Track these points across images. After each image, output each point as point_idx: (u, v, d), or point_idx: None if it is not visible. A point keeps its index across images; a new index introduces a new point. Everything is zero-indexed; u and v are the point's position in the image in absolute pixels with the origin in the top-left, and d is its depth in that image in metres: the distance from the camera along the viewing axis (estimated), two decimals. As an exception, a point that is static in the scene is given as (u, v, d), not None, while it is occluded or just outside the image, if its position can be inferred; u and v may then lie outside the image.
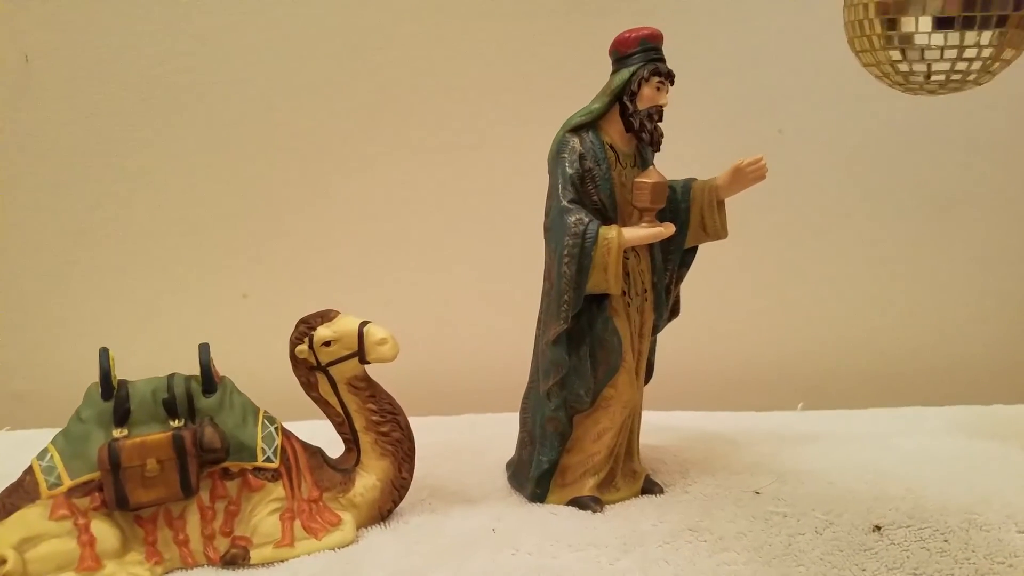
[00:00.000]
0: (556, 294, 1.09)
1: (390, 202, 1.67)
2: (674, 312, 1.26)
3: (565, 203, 1.08)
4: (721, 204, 1.18)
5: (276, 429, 1.06)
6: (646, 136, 1.10)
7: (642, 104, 1.09)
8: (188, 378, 1.04)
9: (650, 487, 1.20)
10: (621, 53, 1.10)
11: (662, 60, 1.09)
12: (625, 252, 1.11)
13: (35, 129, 1.55)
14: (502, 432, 1.34)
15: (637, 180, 1.08)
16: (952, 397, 1.69)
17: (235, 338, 1.66)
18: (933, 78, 1.04)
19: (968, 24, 0.98)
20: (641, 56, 1.08)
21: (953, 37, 0.99)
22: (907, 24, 1.01)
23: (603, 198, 1.10)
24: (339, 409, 1.07)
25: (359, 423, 1.07)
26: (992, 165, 1.78)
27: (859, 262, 1.80)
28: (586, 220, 1.07)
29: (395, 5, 1.59)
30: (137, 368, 1.62)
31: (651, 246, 1.15)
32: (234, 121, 1.60)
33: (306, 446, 1.08)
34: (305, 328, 1.04)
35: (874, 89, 1.67)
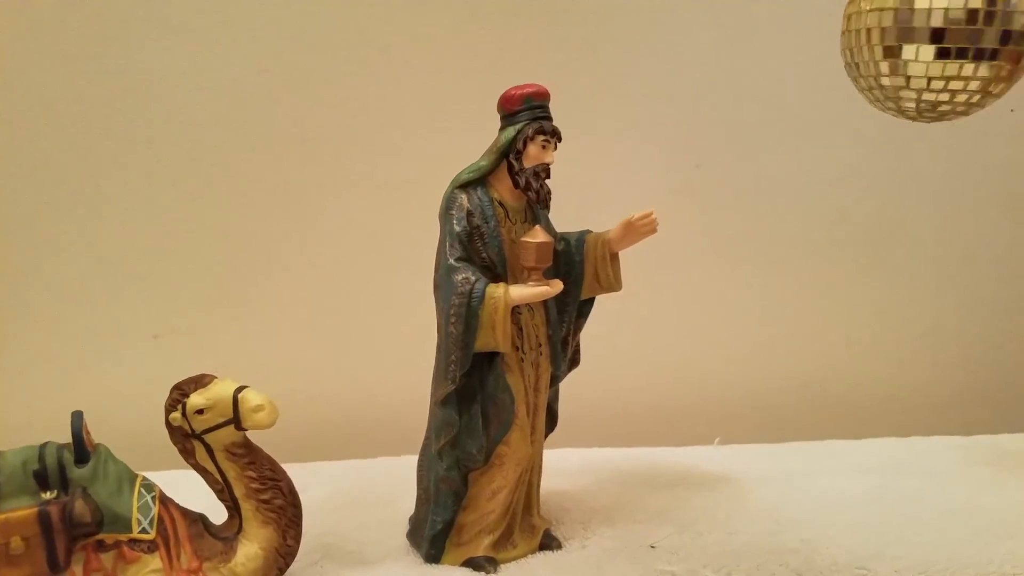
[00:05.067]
0: (444, 354, 1.08)
1: (311, 236, 1.64)
2: (574, 362, 1.25)
3: (452, 261, 1.07)
4: (615, 257, 1.17)
5: (154, 497, 1.03)
6: (532, 194, 1.09)
7: (528, 162, 1.08)
8: (61, 447, 1.01)
9: (548, 542, 1.18)
10: (507, 111, 1.08)
11: (548, 118, 1.08)
12: (518, 307, 1.10)
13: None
14: (414, 478, 1.32)
15: (522, 240, 1.07)
16: (871, 429, 1.70)
17: (144, 380, 1.63)
18: (928, 106, 1.05)
19: (963, 55, 0.99)
20: (527, 114, 1.07)
21: (951, 68, 1.00)
22: (906, 52, 1.01)
23: (492, 255, 1.09)
24: (218, 477, 1.04)
25: (239, 491, 1.04)
26: (921, 200, 1.80)
27: (779, 293, 1.80)
28: (473, 279, 1.06)
29: (306, 53, 1.56)
30: (44, 404, 1.58)
31: (545, 300, 1.13)
32: (141, 155, 1.56)
33: (186, 513, 1.05)
34: (178, 395, 1.01)
35: (800, 120, 1.70)
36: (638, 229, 1.14)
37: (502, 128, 1.09)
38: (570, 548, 1.18)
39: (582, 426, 1.56)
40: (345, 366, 1.69)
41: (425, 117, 1.58)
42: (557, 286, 1.10)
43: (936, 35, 0.99)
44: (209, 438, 1.02)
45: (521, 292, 1.07)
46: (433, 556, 1.14)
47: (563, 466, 1.47)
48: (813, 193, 1.76)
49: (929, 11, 0.98)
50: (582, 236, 1.17)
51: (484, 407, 1.10)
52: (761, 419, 1.80)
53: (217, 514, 1.09)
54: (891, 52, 1.02)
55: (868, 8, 1.02)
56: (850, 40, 1.07)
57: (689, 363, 1.79)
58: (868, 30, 1.03)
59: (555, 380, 1.20)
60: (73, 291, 1.59)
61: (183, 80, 1.53)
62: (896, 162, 1.76)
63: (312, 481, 1.44)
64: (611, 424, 1.71)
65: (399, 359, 1.69)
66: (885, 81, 1.04)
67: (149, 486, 1.04)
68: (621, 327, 1.64)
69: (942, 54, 0.99)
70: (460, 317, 1.05)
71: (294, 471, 1.44)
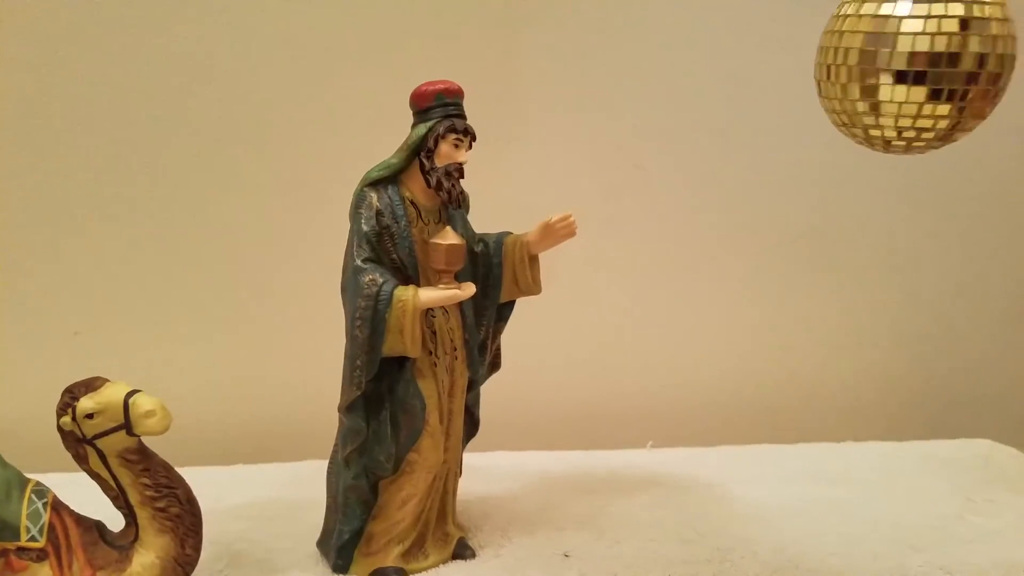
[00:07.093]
0: (350, 358, 1.05)
1: (238, 235, 1.60)
2: (495, 366, 1.22)
3: (359, 262, 1.04)
4: (534, 259, 1.15)
5: (45, 504, 0.99)
6: (444, 194, 1.06)
7: (440, 161, 1.05)
8: (-55, 451, 0.97)
9: (461, 551, 1.16)
10: (419, 107, 1.05)
11: (460, 116, 1.05)
12: (432, 310, 1.07)
13: None
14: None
15: (432, 241, 1.04)
16: (806, 433, 1.70)
17: (65, 378, 1.57)
18: (898, 141, 1.04)
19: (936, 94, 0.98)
20: (440, 111, 1.04)
21: (923, 105, 0.98)
22: (880, 88, 1.00)
23: (402, 256, 1.06)
24: (112, 483, 1.01)
25: (134, 498, 1.01)
26: (847, 202, 1.79)
27: (713, 296, 1.79)
28: (380, 281, 1.02)
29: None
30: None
31: (460, 303, 1.11)
32: (62, 150, 1.51)
33: (80, 520, 1.02)
34: (68, 398, 0.98)
35: (745, 120, 1.68)
36: (557, 232, 1.11)
37: (414, 125, 1.06)
38: (484, 557, 1.16)
39: (513, 429, 1.54)
40: (274, 366, 1.65)
41: (335, 118, 1.55)
42: (469, 289, 1.07)
43: (906, 72, 0.98)
44: (101, 443, 0.98)
45: (431, 295, 1.04)
46: (341, 567, 1.11)
47: (490, 470, 1.44)
48: (753, 195, 1.75)
49: (893, 51, 0.97)
50: (501, 238, 1.15)
51: (393, 414, 1.07)
52: (696, 422, 1.79)
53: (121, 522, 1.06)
54: (863, 87, 1.01)
55: (840, 43, 1.01)
56: (822, 72, 1.05)
57: (623, 365, 1.77)
58: (841, 65, 1.02)
59: (473, 385, 1.18)
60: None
61: (106, 77, 1.48)
62: (839, 163, 1.75)
63: (233, 485, 1.41)
64: (544, 427, 1.69)
65: (331, 359, 1.66)
66: (867, 119, 1.03)
67: (41, 492, 1.00)
68: (555, 329, 1.62)
69: (913, 90, 0.98)
70: (366, 320, 1.02)
71: (216, 475, 1.43)
